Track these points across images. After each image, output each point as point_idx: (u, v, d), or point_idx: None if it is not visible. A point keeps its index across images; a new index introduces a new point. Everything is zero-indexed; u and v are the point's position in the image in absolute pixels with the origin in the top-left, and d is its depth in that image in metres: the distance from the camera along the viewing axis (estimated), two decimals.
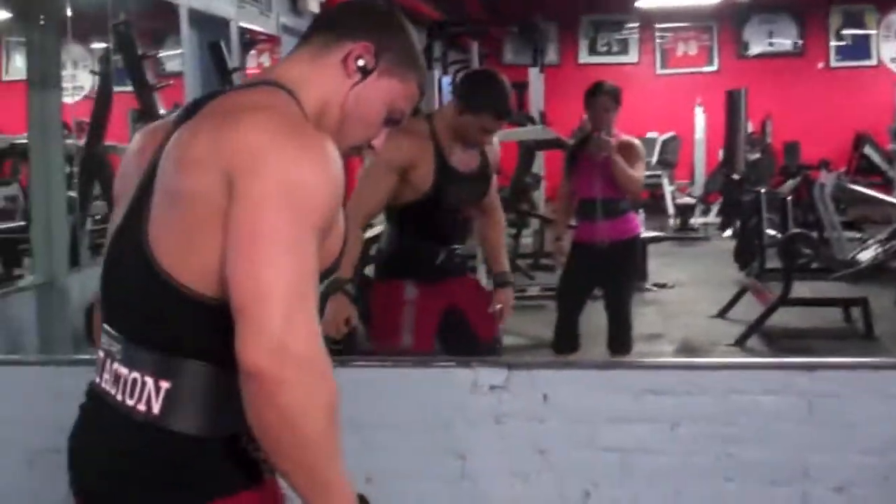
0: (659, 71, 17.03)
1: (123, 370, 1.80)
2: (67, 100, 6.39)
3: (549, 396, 3.21)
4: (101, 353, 1.88)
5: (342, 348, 4.20)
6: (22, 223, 9.26)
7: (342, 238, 1.93)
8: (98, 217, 7.72)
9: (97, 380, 1.88)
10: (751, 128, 13.79)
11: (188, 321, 1.76)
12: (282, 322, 1.59)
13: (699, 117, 15.10)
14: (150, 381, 1.77)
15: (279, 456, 1.66)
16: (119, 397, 1.80)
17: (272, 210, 1.64)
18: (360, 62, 1.89)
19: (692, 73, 16.68)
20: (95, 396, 1.87)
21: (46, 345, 4.98)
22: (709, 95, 14.64)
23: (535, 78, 11.55)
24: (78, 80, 8.22)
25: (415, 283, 4.09)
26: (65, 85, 5.55)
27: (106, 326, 1.87)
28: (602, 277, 6.32)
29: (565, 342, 6.27)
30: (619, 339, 6.24)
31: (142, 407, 1.76)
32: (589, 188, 6.00)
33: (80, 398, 1.92)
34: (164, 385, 1.76)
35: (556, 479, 3.22)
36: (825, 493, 3.14)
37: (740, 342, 7.58)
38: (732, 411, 3.16)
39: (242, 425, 1.68)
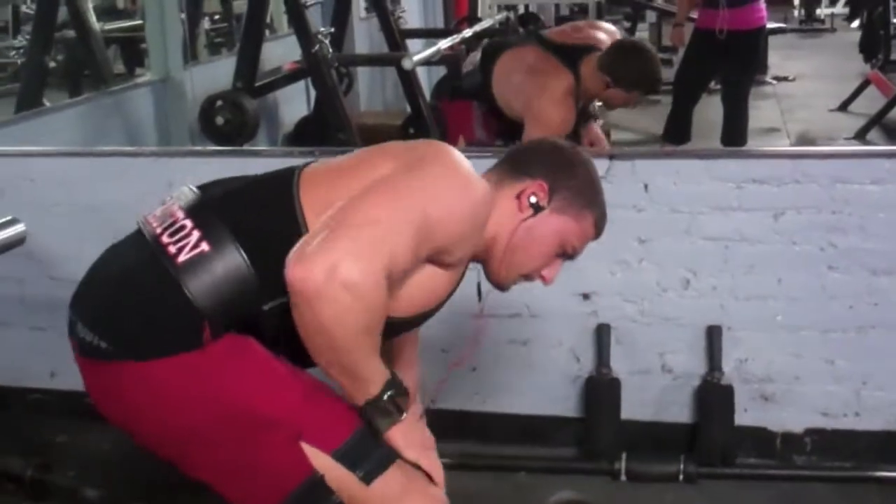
0: None
1: (179, 213, 1.91)
2: None
3: (650, 186, 3.21)
4: (168, 197, 1.98)
5: None
6: (140, 21, 9.44)
7: (437, 298, 2.00)
8: (217, 17, 7.80)
9: (147, 213, 1.98)
10: None
11: (283, 245, 1.82)
12: (347, 251, 1.73)
13: None
14: (196, 234, 1.86)
15: (314, 352, 1.82)
16: (158, 230, 1.90)
17: (413, 190, 1.83)
18: (533, 199, 2.00)
19: None
20: (137, 229, 1.98)
21: (163, 138, 5.12)
22: None
23: None
24: None
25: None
26: None
27: (192, 185, 2.00)
28: (721, 68, 6.18)
29: (677, 132, 6.20)
30: (733, 133, 6.15)
31: (172, 249, 1.86)
32: None
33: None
34: (205, 247, 1.85)
35: (656, 267, 3.25)
36: None
37: (860, 135, 7.41)
38: (838, 200, 3.11)
39: (216, 317, 1.83)
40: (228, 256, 1.85)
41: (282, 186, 1.92)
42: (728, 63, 6.06)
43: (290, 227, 1.86)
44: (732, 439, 3.24)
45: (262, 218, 1.91)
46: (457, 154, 1.95)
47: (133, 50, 8.54)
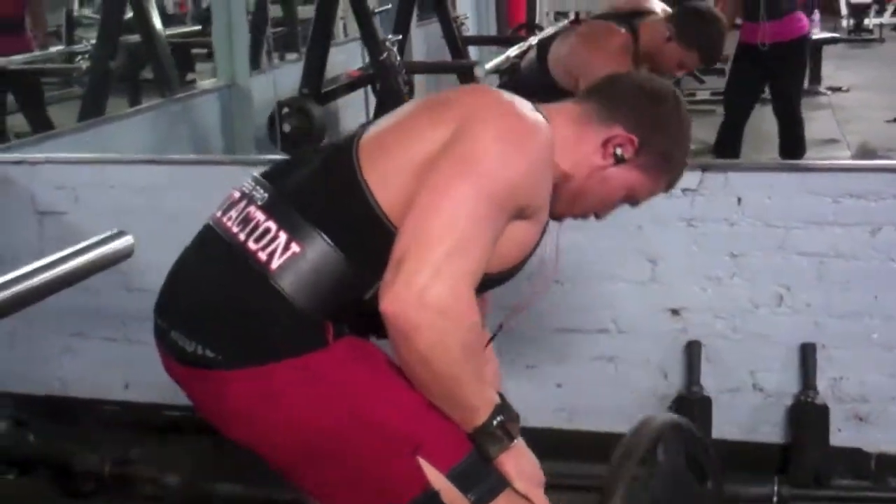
0: None
1: (260, 216, 1.84)
2: None
3: (744, 199, 3.14)
4: (237, 194, 1.92)
5: None
6: (194, 28, 9.44)
7: (530, 248, 1.95)
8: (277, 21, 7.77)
9: (218, 214, 1.92)
10: None
11: (362, 226, 1.80)
12: (430, 274, 1.68)
13: None
14: (283, 237, 1.80)
15: (418, 384, 1.78)
16: (242, 237, 1.84)
17: (467, 174, 1.75)
18: (619, 151, 1.93)
19: None
20: (210, 230, 1.92)
21: (228, 144, 5.10)
22: None
23: None
24: None
25: None
26: None
27: (257, 175, 1.94)
28: (768, 79, 6.15)
29: (726, 146, 6.15)
30: (791, 143, 6.10)
31: (263, 256, 1.80)
32: None
33: None
34: (295, 247, 1.79)
35: (748, 283, 3.17)
36: None
37: None
38: None
39: (328, 319, 1.80)
40: (321, 253, 1.80)
41: (346, 167, 1.85)
42: (774, 75, 6.04)
43: (365, 210, 1.81)
44: (827, 460, 3.16)
45: (337, 205, 1.84)
46: (501, 101, 1.87)
47: (184, 56, 8.55)
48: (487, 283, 1.85)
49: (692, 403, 3.21)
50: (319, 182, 1.89)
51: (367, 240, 1.80)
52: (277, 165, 2.00)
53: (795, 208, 3.12)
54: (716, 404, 3.21)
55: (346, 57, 5.84)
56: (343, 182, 1.85)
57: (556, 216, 2.02)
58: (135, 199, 3.54)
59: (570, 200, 1.98)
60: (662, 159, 1.97)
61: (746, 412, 3.24)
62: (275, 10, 7.36)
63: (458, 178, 1.76)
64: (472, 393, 1.80)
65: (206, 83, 5.94)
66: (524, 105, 1.89)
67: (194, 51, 8.93)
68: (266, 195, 1.87)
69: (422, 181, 1.78)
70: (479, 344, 1.80)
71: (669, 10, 4.10)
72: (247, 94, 5.11)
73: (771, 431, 3.24)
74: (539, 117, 1.88)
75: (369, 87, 5.72)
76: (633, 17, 3.91)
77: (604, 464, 3.21)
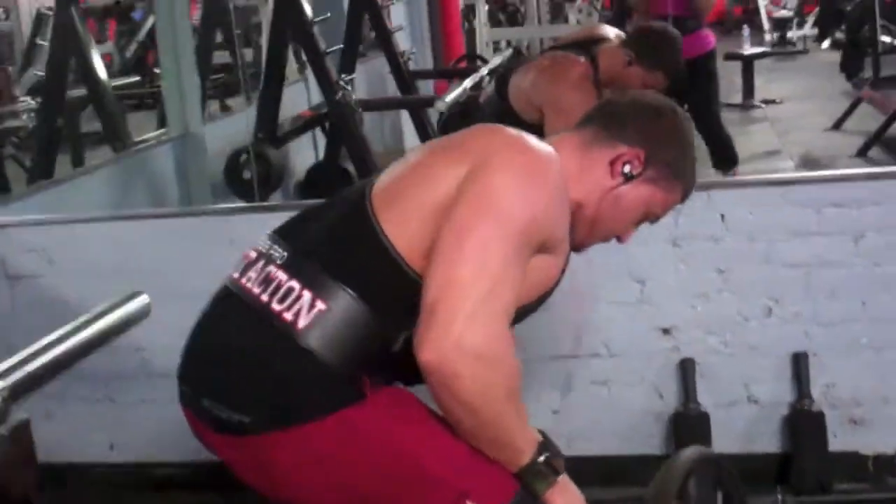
0: None
1: (281, 275, 1.81)
2: None
3: (727, 216, 3.16)
4: (253, 254, 1.90)
5: None
6: (130, 79, 9.33)
7: (553, 280, 1.94)
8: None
9: (235, 275, 1.89)
10: None
11: (383, 276, 1.79)
12: (464, 320, 1.67)
13: None
14: (307, 295, 1.78)
15: (461, 430, 1.76)
16: (265, 298, 1.81)
17: (488, 214, 1.75)
18: (627, 168, 1.93)
19: None
20: (229, 292, 1.89)
21: (187, 195, 5.02)
22: None
23: None
24: None
25: None
26: None
27: (271, 233, 1.92)
28: (683, 95, 6.20)
29: None
30: (720, 154, 6.15)
31: (288, 316, 1.77)
32: (661, 5, 5.91)
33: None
34: (321, 305, 1.77)
35: (737, 297, 3.20)
36: None
37: (862, 153, 7.44)
38: None
39: (360, 373, 1.78)
40: (346, 307, 1.77)
41: (361, 217, 1.84)
42: (685, 91, 6.09)
43: (385, 259, 1.80)
44: (827, 466, 3.18)
45: (356, 256, 1.83)
46: (511, 137, 1.88)
47: None
48: (513, 318, 1.83)
49: (690, 420, 3.22)
50: (337, 235, 1.87)
51: (389, 288, 1.79)
52: (290, 222, 1.97)
53: (779, 221, 3.16)
54: (713, 419, 3.22)
55: (288, 99, 5.78)
56: (360, 233, 1.83)
57: (577, 247, 2.01)
58: (109, 256, 3.46)
59: (587, 228, 1.97)
60: (671, 170, 1.97)
61: (743, 425, 3.26)
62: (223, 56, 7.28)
63: (480, 218, 1.75)
64: (516, 434, 1.79)
65: (153, 134, 5.87)
66: (533, 139, 1.88)
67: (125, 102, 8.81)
68: (285, 254, 1.85)
69: (441, 224, 1.76)
70: (519, 384, 1.78)
71: (622, 34, 4.15)
72: (201, 144, 5.04)
73: (769, 442, 3.26)
74: (549, 148, 1.88)
75: (319, 128, 5.71)
76: (590, 45, 3.94)
77: (604, 487, 3.25)
